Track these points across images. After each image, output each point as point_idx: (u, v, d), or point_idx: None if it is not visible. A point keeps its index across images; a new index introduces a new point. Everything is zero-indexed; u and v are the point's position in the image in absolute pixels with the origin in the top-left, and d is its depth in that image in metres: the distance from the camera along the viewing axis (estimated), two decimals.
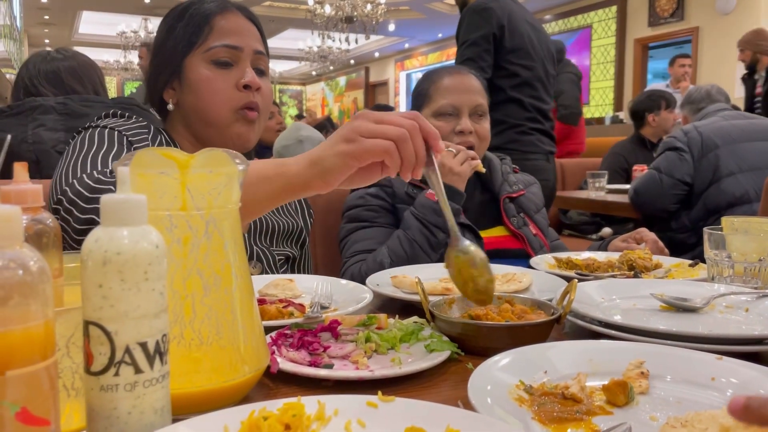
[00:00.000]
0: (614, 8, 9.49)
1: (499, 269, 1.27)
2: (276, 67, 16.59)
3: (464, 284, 0.86)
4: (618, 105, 9.31)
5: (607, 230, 4.19)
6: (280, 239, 1.49)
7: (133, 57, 14.67)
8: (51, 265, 0.59)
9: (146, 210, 0.52)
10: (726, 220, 1.26)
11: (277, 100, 19.26)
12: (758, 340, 0.82)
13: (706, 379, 0.70)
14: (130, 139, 1.26)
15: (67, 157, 1.21)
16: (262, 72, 1.34)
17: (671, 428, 0.58)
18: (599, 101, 9.86)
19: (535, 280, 1.19)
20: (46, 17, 12.50)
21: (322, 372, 0.72)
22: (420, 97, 1.76)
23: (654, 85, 7.28)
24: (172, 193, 0.61)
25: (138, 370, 0.50)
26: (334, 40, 10.49)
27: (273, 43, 14.22)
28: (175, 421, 0.53)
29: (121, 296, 0.50)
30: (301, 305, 0.99)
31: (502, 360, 0.72)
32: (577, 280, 0.90)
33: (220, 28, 1.29)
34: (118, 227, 0.50)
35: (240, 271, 0.66)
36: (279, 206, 1.42)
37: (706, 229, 1.16)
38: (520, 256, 1.59)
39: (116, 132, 1.26)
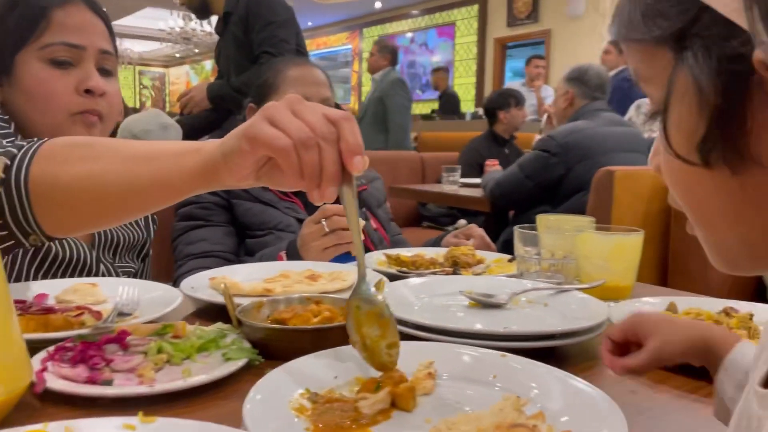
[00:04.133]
0: (476, 7, 9.89)
1: (326, 267, 1.26)
2: (135, 47, 15.60)
3: (363, 342, 0.71)
4: (479, 101, 9.73)
5: (462, 222, 4.36)
6: (123, 253, 1.36)
7: None
8: None
9: None
10: (541, 218, 1.31)
11: (137, 83, 18.16)
12: (549, 336, 0.86)
13: (488, 377, 0.72)
14: None
15: None
16: (108, 72, 1.21)
17: None
18: (462, 97, 10.21)
19: None
20: None
21: (95, 390, 0.66)
22: (264, 88, 1.68)
23: (511, 83, 7.71)
24: None
25: None
26: (196, 22, 10.06)
27: (131, 21, 13.37)
28: None
29: None
30: (99, 312, 0.92)
31: (293, 366, 0.70)
32: (384, 280, 0.89)
33: (59, 23, 1.15)
34: None
35: None
36: None
37: (516, 228, 1.21)
38: None
39: None
